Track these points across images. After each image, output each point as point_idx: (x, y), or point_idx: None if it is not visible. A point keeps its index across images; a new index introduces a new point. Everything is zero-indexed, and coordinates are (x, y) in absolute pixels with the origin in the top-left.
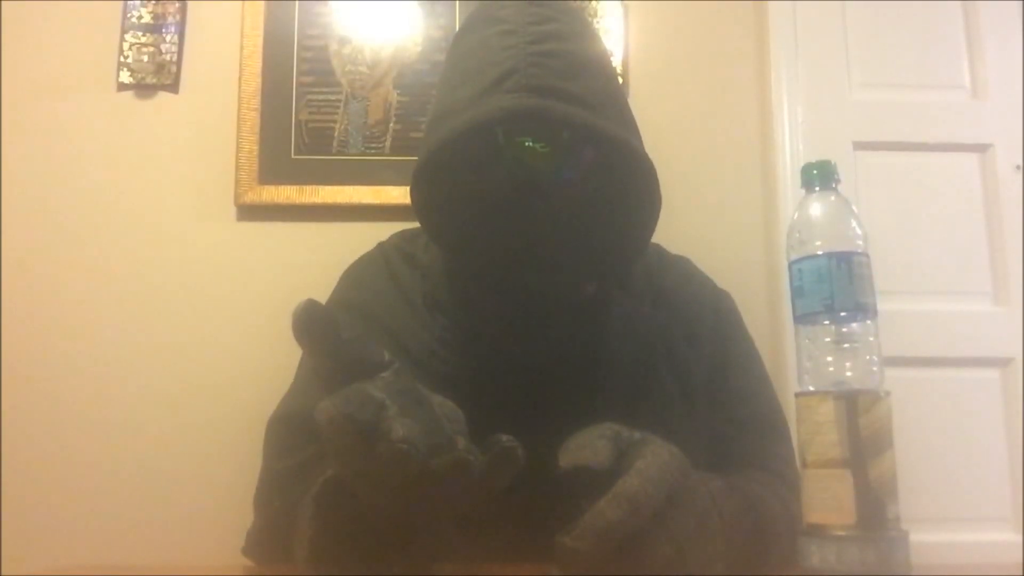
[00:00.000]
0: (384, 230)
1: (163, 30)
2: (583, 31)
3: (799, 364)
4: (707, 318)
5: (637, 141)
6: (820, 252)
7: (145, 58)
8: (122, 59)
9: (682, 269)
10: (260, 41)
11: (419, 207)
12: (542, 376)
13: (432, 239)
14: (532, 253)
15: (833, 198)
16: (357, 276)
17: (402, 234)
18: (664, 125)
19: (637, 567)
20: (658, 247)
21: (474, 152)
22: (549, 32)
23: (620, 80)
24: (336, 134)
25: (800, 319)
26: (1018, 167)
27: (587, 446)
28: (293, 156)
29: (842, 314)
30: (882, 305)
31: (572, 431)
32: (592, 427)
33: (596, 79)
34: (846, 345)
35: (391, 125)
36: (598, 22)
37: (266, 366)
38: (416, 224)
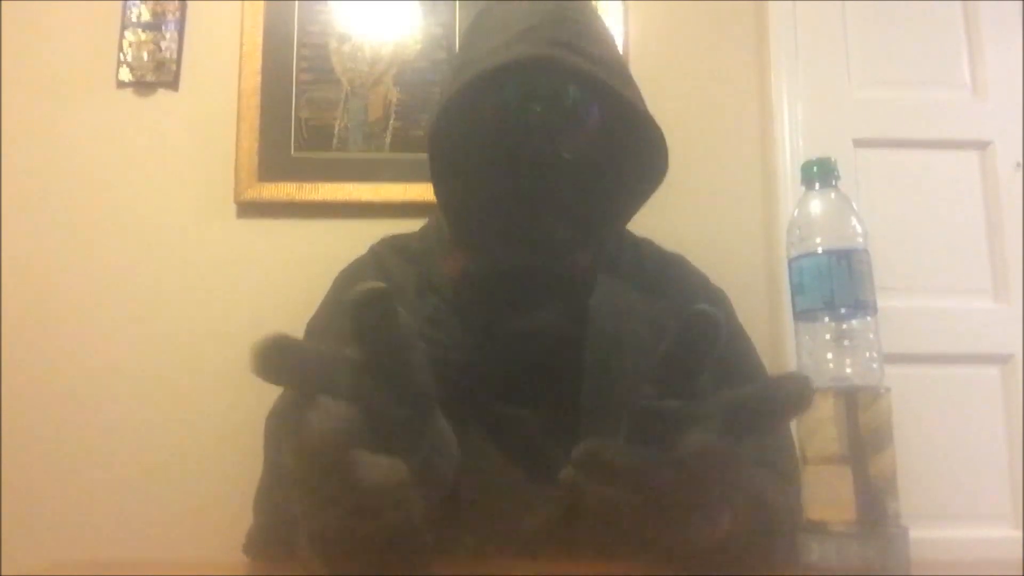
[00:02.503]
0: (383, 227)
1: (163, 28)
2: (599, 21)
3: (799, 361)
4: None
5: (645, 108)
6: (820, 249)
7: (145, 56)
8: (122, 57)
9: (676, 265)
10: (260, 38)
11: (433, 166)
12: (531, 352)
13: (440, 202)
14: (531, 215)
15: (833, 195)
16: (349, 277)
17: (393, 235)
18: (664, 124)
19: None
20: (651, 243)
21: (487, 104)
22: (571, 6)
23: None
24: (336, 131)
25: (800, 316)
26: (1018, 164)
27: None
28: (293, 153)
29: (842, 311)
30: (882, 302)
31: (561, 408)
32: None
33: (611, 52)
34: (846, 342)
35: (391, 123)
36: None
37: None
38: (409, 227)
